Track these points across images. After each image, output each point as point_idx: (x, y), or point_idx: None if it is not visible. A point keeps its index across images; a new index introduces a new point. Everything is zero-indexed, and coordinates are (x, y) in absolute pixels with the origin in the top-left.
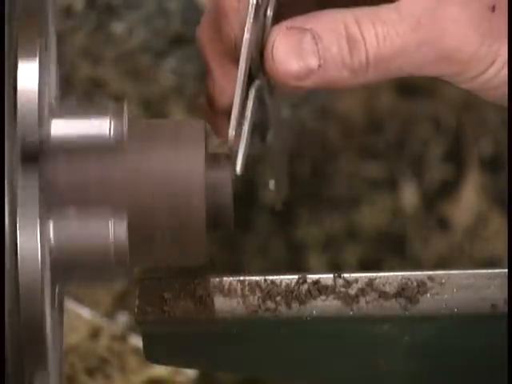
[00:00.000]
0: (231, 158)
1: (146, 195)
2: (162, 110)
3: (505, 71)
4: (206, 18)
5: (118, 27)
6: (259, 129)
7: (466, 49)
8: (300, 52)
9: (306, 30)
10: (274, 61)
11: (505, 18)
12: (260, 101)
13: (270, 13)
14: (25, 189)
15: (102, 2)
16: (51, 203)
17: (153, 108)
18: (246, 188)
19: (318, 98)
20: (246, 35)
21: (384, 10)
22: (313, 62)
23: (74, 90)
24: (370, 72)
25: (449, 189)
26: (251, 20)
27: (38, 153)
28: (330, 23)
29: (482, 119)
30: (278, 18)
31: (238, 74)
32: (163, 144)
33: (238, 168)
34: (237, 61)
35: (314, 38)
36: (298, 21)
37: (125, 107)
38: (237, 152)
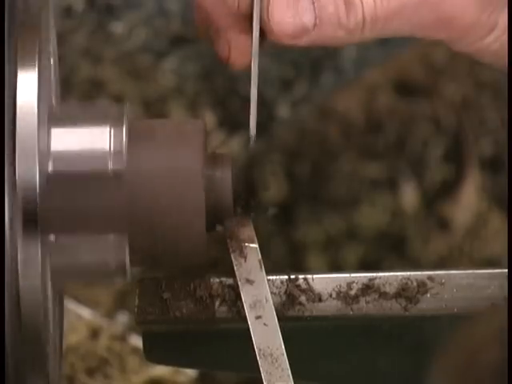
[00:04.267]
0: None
1: (146, 195)
2: (162, 110)
3: (503, 37)
4: None
5: (118, 27)
6: None
7: (464, 16)
8: (296, 10)
9: None
10: (270, 18)
11: None
12: None
13: None
14: (23, 113)
15: (102, 2)
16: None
17: (153, 108)
18: (246, 188)
19: (318, 98)
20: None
21: None
22: (309, 21)
23: (74, 90)
24: (365, 31)
25: (449, 189)
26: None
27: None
28: None
29: (482, 119)
30: None
31: (252, 77)
32: (163, 144)
33: (253, 133)
34: (245, 21)
35: None
36: None
37: (125, 109)
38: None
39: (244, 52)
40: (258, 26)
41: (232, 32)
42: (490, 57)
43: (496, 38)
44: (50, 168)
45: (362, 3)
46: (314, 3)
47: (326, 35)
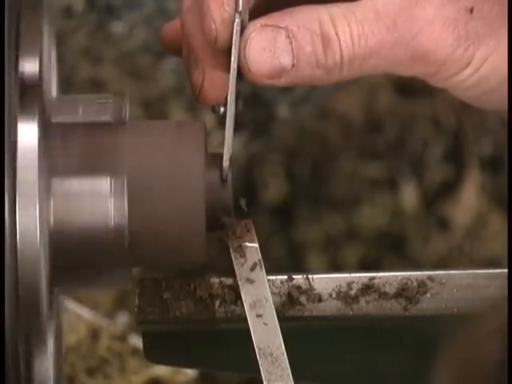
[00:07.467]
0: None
1: (147, 195)
2: (161, 110)
3: (479, 73)
4: (190, 4)
5: (117, 27)
6: None
7: (440, 51)
8: (274, 51)
9: (280, 28)
10: (247, 59)
11: (483, 21)
12: None
13: (244, 7)
14: (24, 165)
15: (102, 2)
16: (51, 181)
17: (153, 108)
18: (246, 188)
19: (318, 98)
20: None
21: (360, 8)
22: (286, 62)
23: (74, 90)
24: (343, 70)
25: (449, 189)
26: (238, 40)
27: (38, 125)
28: (304, 21)
29: (482, 119)
30: (258, 11)
31: (228, 103)
32: (163, 144)
33: (226, 164)
34: (222, 56)
35: (288, 36)
36: (273, 18)
37: (126, 104)
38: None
39: (217, 86)
40: (236, 65)
41: (208, 64)
42: (467, 93)
43: (472, 73)
44: (51, 224)
45: (339, 42)
46: (291, 43)
47: (304, 75)
